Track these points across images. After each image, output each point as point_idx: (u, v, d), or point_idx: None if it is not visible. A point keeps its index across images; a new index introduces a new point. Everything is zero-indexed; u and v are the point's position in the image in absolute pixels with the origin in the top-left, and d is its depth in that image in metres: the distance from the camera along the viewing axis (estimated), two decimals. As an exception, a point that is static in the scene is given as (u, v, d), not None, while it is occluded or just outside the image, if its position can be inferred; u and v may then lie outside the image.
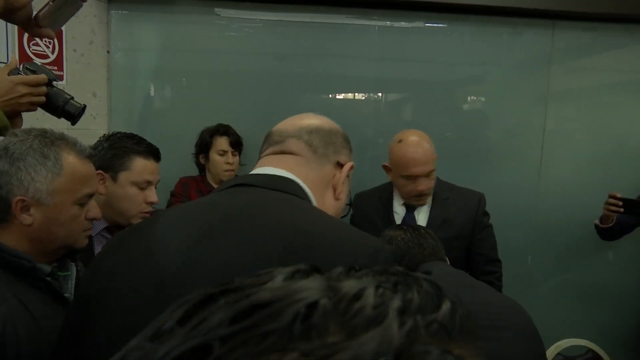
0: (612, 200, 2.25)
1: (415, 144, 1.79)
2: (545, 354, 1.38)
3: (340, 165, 0.85)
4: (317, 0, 2.35)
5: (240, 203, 0.71)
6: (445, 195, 1.88)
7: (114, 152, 1.50)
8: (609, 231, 2.37)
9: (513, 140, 2.59)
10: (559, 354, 2.16)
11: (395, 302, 0.24)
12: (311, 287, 0.25)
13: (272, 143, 0.85)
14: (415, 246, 1.43)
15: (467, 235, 1.88)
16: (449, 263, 1.47)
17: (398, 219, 1.88)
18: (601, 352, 2.19)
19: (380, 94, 2.53)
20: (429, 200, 1.88)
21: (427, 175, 1.78)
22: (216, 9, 2.34)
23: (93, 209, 1.11)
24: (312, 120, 0.87)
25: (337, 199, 0.85)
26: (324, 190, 0.83)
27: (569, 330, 2.26)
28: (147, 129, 2.28)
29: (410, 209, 1.88)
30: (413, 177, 1.77)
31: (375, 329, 0.22)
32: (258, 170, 0.82)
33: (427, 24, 2.46)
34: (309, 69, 2.42)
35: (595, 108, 2.65)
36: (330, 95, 2.51)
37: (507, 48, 2.53)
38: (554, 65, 2.53)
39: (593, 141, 2.61)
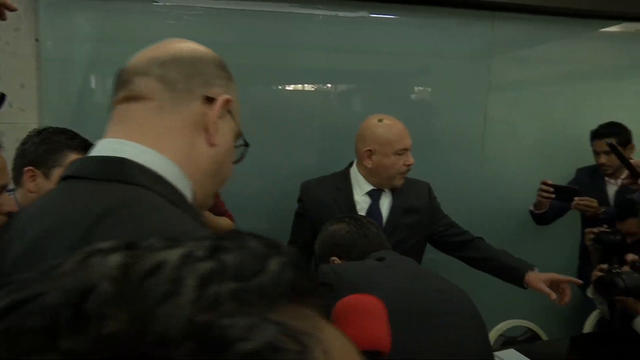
0: (544, 187, 2.37)
1: (396, 120, 1.88)
2: (488, 337, 1.44)
3: (211, 100, 0.67)
4: (260, -12, 2.30)
5: (50, 220, 0.58)
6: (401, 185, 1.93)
7: (46, 147, 1.44)
8: (542, 216, 2.49)
9: (457, 130, 2.66)
10: (500, 335, 2.26)
11: (199, 271, 0.20)
12: (99, 270, 0.20)
13: (120, 85, 0.68)
14: (361, 237, 1.44)
15: (426, 223, 1.96)
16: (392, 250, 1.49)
17: (360, 210, 1.89)
18: (539, 331, 2.31)
19: (329, 85, 2.52)
20: (388, 190, 1.92)
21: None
22: (154, -4, 2.23)
23: (7, 202, 1.05)
24: (169, 47, 0.69)
25: (212, 144, 0.68)
26: (192, 137, 0.66)
27: (510, 312, 2.36)
28: (82, 124, 2.15)
29: (375, 198, 1.91)
30: (405, 151, 1.83)
31: (165, 307, 0.19)
32: (99, 144, 0.66)
33: (371, 15, 2.46)
34: (253, 59, 2.37)
35: (533, 99, 2.76)
36: (279, 87, 2.47)
37: (450, 40, 2.57)
38: (494, 56, 2.61)
39: (532, 130, 2.73)
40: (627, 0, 2.60)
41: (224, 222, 2.01)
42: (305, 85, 2.51)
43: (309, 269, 0.24)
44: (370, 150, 1.84)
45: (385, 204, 1.91)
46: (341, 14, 2.38)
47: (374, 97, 2.61)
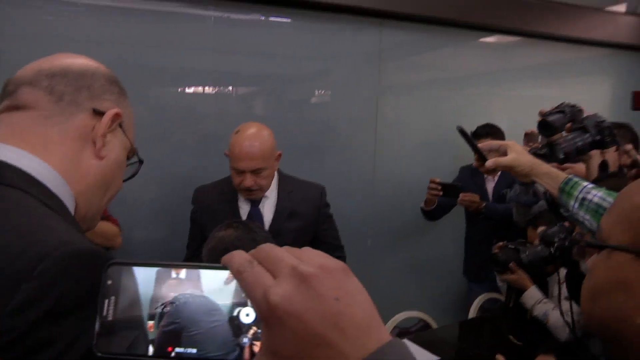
0: (432, 185, 2.53)
1: (250, 138, 1.72)
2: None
3: (100, 114, 0.69)
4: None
5: None
6: (289, 189, 1.91)
7: None
8: (432, 213, 2.66)
9: (350, 132, 2.75)
10: (395, 327, 2.38)
11: None
12: None
13: (5, 95, 0.68)
14: (249, 242, 1.44)
15: (312, 226, 1.94)
16: None
17: (243, 214, 1.86)
18: (430, 320, 2.46)
19: (230, 88, 2.48)
20: (274, 194, 1.90)
21: (254, 171, 1.73)
22: (28, -11, 2.06)
23: None
24: (60, 60, 0.70)
25: (100, 157, 0.69)
26: (79, 148, 0.67)
27: (403, 304, 2.49)
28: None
29: (255, 203, 1.88)
30: (240, 171, 1.74)
31: None
32: None
33: (268, 18, 2.46)
34: (142, 60, 2.27)
35: (421, 101, 2.94)
36: (171, 89, 2.39)
37: (343, 44, 2.66)
38: (384, 61, 2.73)
39: (420, 132, 2.90)
40: (500, 15, 2.87)
41: (105, 226, 1.92)
42: (205, 87, 2.44)
43: None
44: (227, 154, 1.80)
45: (267, 208, 1.88)
46: (233, 16, 2.36)
47: (272, 100, 2.62)
